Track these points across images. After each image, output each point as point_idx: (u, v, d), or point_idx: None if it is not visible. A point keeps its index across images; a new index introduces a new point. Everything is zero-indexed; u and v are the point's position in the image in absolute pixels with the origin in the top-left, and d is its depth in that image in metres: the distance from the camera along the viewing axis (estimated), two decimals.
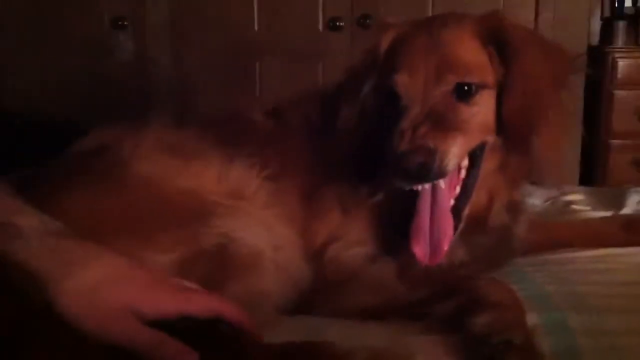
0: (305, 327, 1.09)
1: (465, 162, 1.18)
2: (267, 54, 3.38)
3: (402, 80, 1.18)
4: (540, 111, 1.19)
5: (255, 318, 0.97)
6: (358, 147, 1.25)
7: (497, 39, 1.20)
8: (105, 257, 0.91)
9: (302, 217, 1.29)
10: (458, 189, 1.19)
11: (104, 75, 3.38)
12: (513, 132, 1.19)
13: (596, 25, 3.51)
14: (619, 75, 3.23)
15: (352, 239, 1.27)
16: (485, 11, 1.24)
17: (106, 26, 3.39)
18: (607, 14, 3.53)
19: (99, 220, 1.05)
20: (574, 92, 1.30)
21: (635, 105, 3.22)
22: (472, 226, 1.24)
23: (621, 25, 3.39)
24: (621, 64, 3.23)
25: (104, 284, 0.88)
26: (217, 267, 1.07)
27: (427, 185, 1.15)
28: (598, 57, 3.23)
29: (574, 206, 1.83)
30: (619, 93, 3.23)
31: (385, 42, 1.27)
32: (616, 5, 3.48)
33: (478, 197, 1.23)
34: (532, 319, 1.04)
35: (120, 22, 3.38)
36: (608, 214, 1.74)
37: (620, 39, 3.37)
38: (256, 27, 3.37)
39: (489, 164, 1.22)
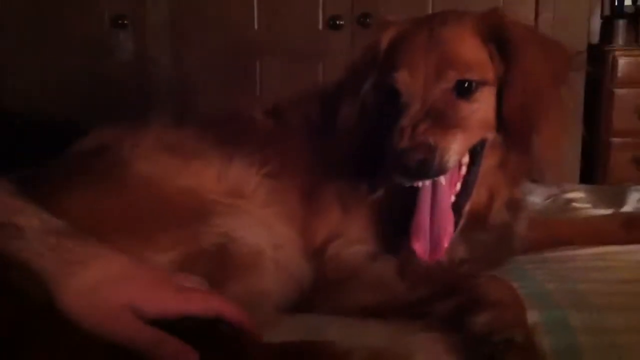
0: (306, 326, 1.09)
1: (466, 159, 1.18)
2: (267, 54, 3.38)
3: (402, 78, 1.18)
4: (541, 108, 1.19)
5: (255, 317, 0.97)
6: (358, 145, 1.25)
7: (498, 36, 1.20)
8: (107, 256, 0.91)
9: (302, 215, 1.29)
10: (458, 186, 1.19)
11: (103, 75, 3.38)
12: (513, 129, 1.19)
13: (596, 24, 3.51)
14: (619, 74, 3.23)
15: (352, 237, 1.27)
16: (485, 9, 1.24)
17: (106, 25, 3.39)
18: (607, 12, 3.53)
19: (99, 220, 1.05)
20: (574, 90, 1.30)
21: (636, 104, 3.22)
22: (472, 223, 1.24)
23: (621, 24, 3.39)
24: (621, 62, 3.23)
25: (105, 282, 0.88)
26: (217, 266, 1.07)
27: (428, 182, 1.15)
28: (598, 56, 3.23)
29: (575, 204, 1.83)
30: (619, 91, 3.23)
31: (385, 40, 1.27)
32: (616, 4, 3.48)
33: (478, 194, 1.23)
34: (532, 317, 1.04)
35: (120, 21, 3.38)
36: (608, 211, 1.74)
37: (620, 38, 3.37)
38: (256, 27, 3.37)
39: (489, 161, 1.22)
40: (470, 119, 1.16)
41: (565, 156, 1.25)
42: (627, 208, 1.76)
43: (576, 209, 1.80)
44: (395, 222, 1.24)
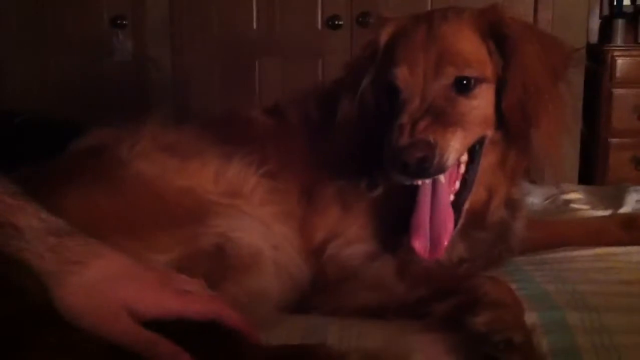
0: (305, 326, 1.09)
1: (465, 157, 1.18)
2: (267, 53, 3.38)
3: (401, 74, 1.18)
4: (540, 104, 1.19)
5: (254, 318, 0.97)
6: (357, 142, 1.25)
7: (497, 32, 1.19)
8: (107, 255, 0.91)
9: (301, 215, 1.29)
10: (458, 184, 1.19)
11: (102, 75, 3.39)
12: (512, 126, 1.19)
13: (595, 23, 3.51)
14: (617, 74, 3.23)
15: (351, 236, 1.27)
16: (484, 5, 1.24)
17: (105, 25, 3.39)
18: (606, 12, 3.53)
19: (98, 220, 1.05)
20: (573, 86, 1.30)
21: (635, 103, 3.22)
22: (471, 222, 1.24)
23: (620, 23, 3.39)
24: (620, 62, 3.23)
25: (104, 282, 0.88)
26: (215, 267, 1.07)
27: (427, 180, 1.15)
28: (597, 56, 3.23)
29: (573, 205, 1.83)
30: (618, 91, 3.24)
31: (384, 36, 1.26)
32: (615, 3, 3.48)
33: (477, 192, 1.23)
34: (531, 317, 1.04)
35: (119, 21, 3.38)
36: (607, 212, 1.74)
37: (619, 38, 3.38)
38: (255, 26, 3.38)
39: (488, 159, 1.22)
40: (470, 116, 1.16)
41: (564, 152, 1.25)
42: (626, 209, 1.76)
43: (575, 209, 1.79)
44: (395, 221, 1.24)
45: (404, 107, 1.15)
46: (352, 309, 1.16)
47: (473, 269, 1.25)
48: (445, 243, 1.16)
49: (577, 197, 1.89)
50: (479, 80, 1.17)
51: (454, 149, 1.12)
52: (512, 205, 1.35)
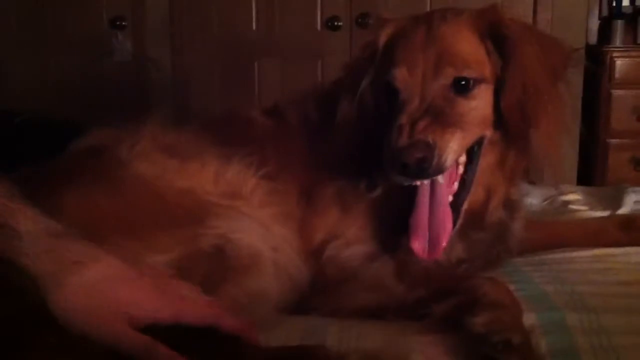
0: (304, 327, 1.09)
1: (463, 158, 1.18)
2: (266, 54, 3.39)
3: (400, 75, 1.18)
4: (539, 105, 1.19)
5: (253, 319, 0.97)
6: (356, 143, 1.25)
7: (495, 33, 1.20)
8: (104, 259, 0.90)
9: (300, 216, 1.29)
10: (456, 185, 1.19)
11: (102, 75, 3.39)
12: (511, 126, 1.19)
13: (594, 24, 3.51)
14: (616, 75, 3.23)
15: (350, 237, 1.27)
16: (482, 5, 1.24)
17: (105, 26, 3.39)
18: (605, 13, 3.53)
19: (97, 220, 1.05)
20: (572, 87, 1.30)
21: (634, 104, 3.22)
22: (470, 222, 1.24)
23: (619, 24, 3.39)
24: (619, 63, 3.23)
25: (100, 285, 0.88)
26: (215, 268, 1.07)
27: (426, 181, 1.15)
28: (596, 57, 3.24)
29: (572, 206, 1.83)
30: (617, 92, 3.24)
31: (383, 37, 1.26)
32: (614, 4, 3.48)
33: (476, 192, 1.23)
34: (530, 318, 1.04)
35: (119, 22, 3.38)
36: (606, 213, 1.73)
37: (618, 39, 3.38)
38: (255, 27, 3.38)
39: (486, 160, 1.22)
40: (468, 116, 1.16)
41: (563, 152, 1.25)
42: (624, 210, 1.76)
43: (573, 210, 1.80)
44: (394, 222, 1.24)
45: (403, 108, 1.15)
46: (352, 309, 1.16)
47: (472, 270, 1.25)
48: (444, 243, 1.17)
49: (575, 198, 1.89)
50: (478, 81, 1.17)
51: (453, 149, 1.12)
52: (511, 206, 1.35)
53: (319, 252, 1.27)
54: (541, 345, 0.98)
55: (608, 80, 3.23)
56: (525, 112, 1.18)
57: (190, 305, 0.92)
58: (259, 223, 1.19)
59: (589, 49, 3.27)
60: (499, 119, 1.19)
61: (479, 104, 1.18)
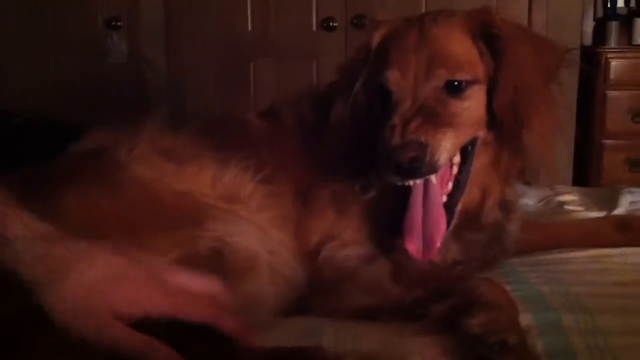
0: (301, 329, 1.09)
1: (457, 158, 1.19)
2: (261, 55, 3.39)
3: (393, 76, 1.18)
4: (531, 105, 1.19)
5: (250, 321, 0.97)
6: (351, 145, 1.26)
7: (488, 33, 1.20)
8: (98, 259, 0.90)
9: (296, 219, 1.29)
10: (450, 185, 1.20)
11: (99, 76, 3.38)
12: (504, 126, 1.19)
13: (589, 25, 3.52)
14: (611, 76, 3.24)
15: (346, 239, 1.27)
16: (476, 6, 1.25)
17: (100, 27, 3.39)
18: (600, 14, 3.54)
19: (95, 223, 1.05)
20: (567, 88, 1.30)
21: (628, 105, 3.23)
22: (465, 223, 1.24)
23: (614, 25, 3.40)
24: (614, 64, 3.24)
25: (96, 287, 0.87)
26: (212, 271, 1.07)
27: (419, 181, 1.15)
28: (591, 58, 3.24)
29: (568, 206, 1.84)
30: (612, 93, 3.25)
31: (376, 39, 1.27)
32: (609, 5, 3.49)
33: (470, 193, 1.24)
34: (526, 319, 1.05)
35: (114, 23, 3.38)
36: (601, 214, 1.74)
37: (613, 40, 3.39)
38: (250, 27, 3.38)
39: (481, 160, 1.23)
40: (461, 117, 1.16)
41: (557, 153, 1.26)
42: (620, 210, 1.76)
43: (569, 211, 1.80)
44: (389, 223, 1.24)
45: (395, 109, 1.16)
46: (348, 310, 1.16)
47: (468, 271, 1.25)
48: (438, 244, 1.17)
49: (571, 199, 1.89)
50: (470, 82, 1.18)
51: (445, 149, 1.12)
52: (506, 206, 1.35)
53: (315, 253, 1.27)
54: (537, 345, 0.98)
55: (603, 81, 3.24)
56: (518, 113, 1.18)
57: (185, 301, 0.92)
58: (256, 227, 1.19)
59: (584, 50, 3.28)
60: (492, 120, 1.20)
61: (472, 104, 1.18)
